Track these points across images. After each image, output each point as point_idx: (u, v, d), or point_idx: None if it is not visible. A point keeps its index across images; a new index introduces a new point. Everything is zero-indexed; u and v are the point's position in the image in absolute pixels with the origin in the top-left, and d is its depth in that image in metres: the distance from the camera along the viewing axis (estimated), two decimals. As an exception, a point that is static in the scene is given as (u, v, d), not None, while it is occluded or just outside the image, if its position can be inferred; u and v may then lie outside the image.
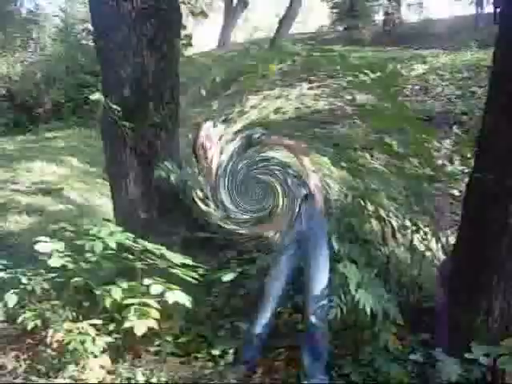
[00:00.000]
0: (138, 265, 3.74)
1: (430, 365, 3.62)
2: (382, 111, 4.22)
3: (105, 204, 7.60)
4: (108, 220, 5.03)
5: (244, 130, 3.65)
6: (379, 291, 3.41)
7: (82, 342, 3.58)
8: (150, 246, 3.69)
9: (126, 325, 3.52)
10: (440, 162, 4.64)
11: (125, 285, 3.65)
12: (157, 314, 3.57)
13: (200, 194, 4.10)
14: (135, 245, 3.69)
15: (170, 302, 3.51)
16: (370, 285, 3.36)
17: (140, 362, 3.92)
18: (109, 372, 3.75)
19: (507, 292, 3.37)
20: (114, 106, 4.31)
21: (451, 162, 4.77)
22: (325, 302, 3.45)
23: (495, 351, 2.63)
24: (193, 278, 3.60)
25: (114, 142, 4.65)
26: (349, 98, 10.81)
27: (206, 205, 3.93)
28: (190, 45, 5.25)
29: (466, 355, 2.70)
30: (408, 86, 12.02)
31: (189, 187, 4.25)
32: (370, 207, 4.26)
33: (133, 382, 3.70)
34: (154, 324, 3.55)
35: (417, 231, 4.26)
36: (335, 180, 5.79)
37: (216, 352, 3.97)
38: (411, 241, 4.29)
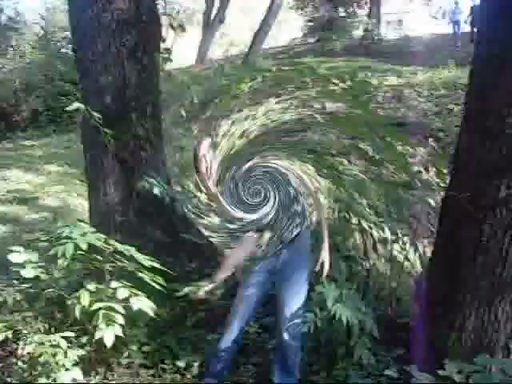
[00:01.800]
0: (106, 266, 3.71)
1: (405, 381, 3.64)
2: (353, 118, 4.26)
3: (81, 205, 7.57)
4: (82, 221, 5.01)
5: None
6: (356, 304, 3.42)
7: (54, 355, 3.53)
8: (120, 246, 3.65)
9: (98, 335, 3.48)
10: (416, 168, 4.66)
11: (92, 287, 3.60)
12: (122, 320, 3.53)
13: (192, 208, 4.15)
14: (105, 245, 3.65)
15: (135, 308, 3.49)
16: (348, 299, 3.37)
17: (112, 376, 3.90)
18: (81, 386, 3.71)
19: (480, 310, 3.39)
20: (95, 114, 4.30)
21: (427, 170, 4.80)
22: (299, 320, 3.46)
23: (468, 368, 2.64)
24: (159, 283, 3.58)
25: (94, 145, 4.64)
26: (318, 106, 11.02)
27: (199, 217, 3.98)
28: (170, 60, 5.23)
29: (440, 372, 2.70)
30: (380, 93, 12.11)
31: (180, 201, 4.25)
32: (354, 219, 4.32)
33: (105, 395, 3.68)
34: (119, 331, 3.51)
35: (396, 241, 4.28)
36: (322, 192, 6.00)
37: (181, 364, 3.99)
38: (391, 252, 4.30)
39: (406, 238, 4.27)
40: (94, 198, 4.72)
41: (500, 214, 3.27)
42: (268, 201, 3.42)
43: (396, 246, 4.31)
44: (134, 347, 3.96)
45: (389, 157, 4.09)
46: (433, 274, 3.75)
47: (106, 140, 4.42)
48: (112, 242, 3.67)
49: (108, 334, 3.46)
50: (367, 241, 4.35)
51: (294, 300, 3.47)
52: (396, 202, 4.07)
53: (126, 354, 3.97)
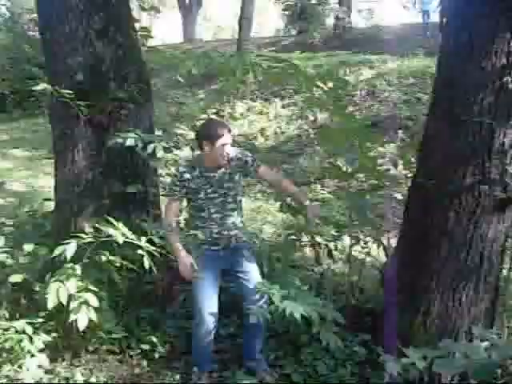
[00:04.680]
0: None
1: (371, 364, 3.70)
2: (335, 131, 4.34)
3: (49, 185, 7.53)
4: (49, 199, 4.96)
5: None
6: (312, 300, 3.47)
7: (19, 341, 3.50)
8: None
9: (71, 318, 3.45)
10: (385, 167, 4.71)
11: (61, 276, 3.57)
12: (96, 303, 3.51)
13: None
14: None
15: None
16: (299, 297, 3.42)
17: (79, 362, 3.88)
18: (46, 372, 3.69)
19: (445, 295, 3.45)
20: (65, 91, 4.26)
21: (395, 165, 4.84)
22: (263, 299, 3.64)
23: (431, 353, 2.67)
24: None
25: (64, 120, 4.59)
26: (311, 118, 11.59)
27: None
28: (151, 37, 5.32)
29: (403, 360, 2.73)
30: (357, 92, 12.25)
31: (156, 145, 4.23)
32: (305, 237, 4.53)
33: (71, 381, 3.65)
34: (94, 316, 3.49)
35: (357, 243, 4.35)
36: (274, 224, 6.96)
37: (146, 347, 4.04)
38: (349, 254, 4.41)
39: (368, 238, 4.34)
40: (61, 169, 4.67)
41: (465, 200, 3.32)
42: None
43: (357, 248, 4.42)
44: (102, 333, 3.93)
45: (360, 164, 4.16)
46: (398, 261, 3.80)
47: (78, 110, 4.39)
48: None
49: (82, 317, 3.44)
50: (320, 252, 4.55)
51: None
52: (360, 208, 4.16)
53: (93, 340, 3.95)
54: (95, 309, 3.54)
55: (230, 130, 3.67)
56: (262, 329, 3.84)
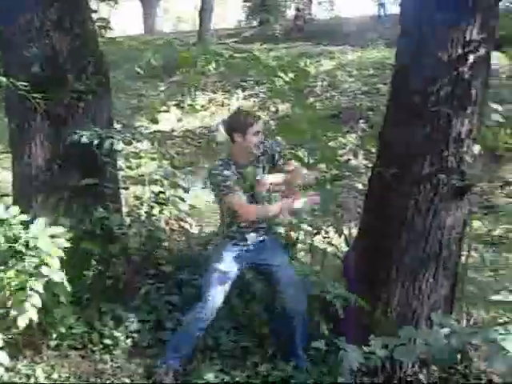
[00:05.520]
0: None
1: (333, 353, 3.72)
2: (296, 123, 4.33)
3: (6, 179, 7.39)
4: (6, 195, 4.86)
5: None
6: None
7: (-24, 339, 3.42)
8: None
9: (11, 314, 3.38)
10: (346, 157, 4.74)
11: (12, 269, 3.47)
12: (38, 301, 3.44)
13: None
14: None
15: (45, 274, 3.40)
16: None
17: (41, 358, 3.82)
18: (7, 369, 3.61)
19: (405, 283, 3.50)
20: (21, 83, 4.17)
21: (356, 156, 4.88)
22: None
23: (392, 341, 2.70)
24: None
25: (20, 113, 4.51)
26: (273, 109, 11.58)
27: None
28: (109, 27, 5.24)
29: (364, 348, 2.76)
30: (318, 83, 12.31)
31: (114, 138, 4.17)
32: None
33: (32, 379, 3.59)
34: (34, 314, 3.41)
35: (318, 233, 4.37)
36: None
37: (108, 341, 3.99)
38: (310, 244, 4.42)
39: (330, 228, 4.36)
40: (18, 163, 4.60)
41: (424, 189, 3.36)
42: None
43: (318, 238, 4.42)
44: (63, 329, 3.88)
45: (321, 155, 4.16)
46: (359, 251, 3.84)
47: (35, 103, 4.31)
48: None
49: (21, 316, 3.37)
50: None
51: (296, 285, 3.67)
52: (322, 198, 4.17)
53: (54, 336, 3.89)
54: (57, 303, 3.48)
55: (259, 118, 3.63)
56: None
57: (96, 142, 4.08)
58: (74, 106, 4.52)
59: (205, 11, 19.72)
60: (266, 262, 3.76)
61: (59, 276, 3.44)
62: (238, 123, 3.58)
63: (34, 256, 3.44)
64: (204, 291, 3.68)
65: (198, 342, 3.77)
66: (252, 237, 3.70)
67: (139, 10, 29.63)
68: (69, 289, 3.52)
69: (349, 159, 4.59)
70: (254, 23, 24.38)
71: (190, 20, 36.67)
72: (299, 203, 3.64)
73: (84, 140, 4.04)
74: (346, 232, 4.22)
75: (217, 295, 3.62)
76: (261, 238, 3.74)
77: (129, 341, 4.04)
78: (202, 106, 13.03)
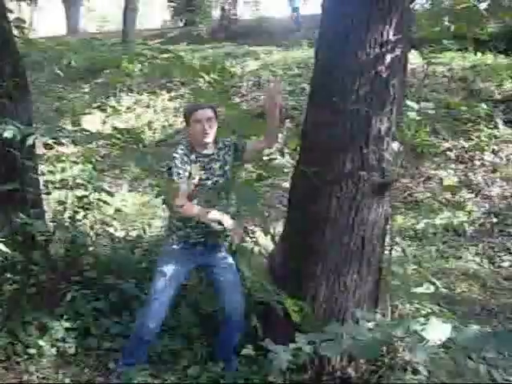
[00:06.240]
0: None
1: (262, 355, 3.72)
2: (222, 123, 4.30)
3: None
4: None
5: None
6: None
7: None
8: None
9: None
10: (271, 156, 4.74)
11: None
12: None
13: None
14: None
15: None
16: None
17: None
18: None
19: (331, 280, 3.54)
20: None
21: (282, 155, 4.91)
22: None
23: (319, 337, 2.72)
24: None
25: None
26: None
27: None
28: (26, 28, 5.09)
29: (291, 345, 2.77)
30: (243, 83, 12.35)
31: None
32: None
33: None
34: None
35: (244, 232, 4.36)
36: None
37: (33, 351, 3.88)
38: (237, 244, 4.39)
39: (256, 227, 4.36)
40: None
41: (346, 186, 3.42)
42: None
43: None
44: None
45: None
46: (284, 249, 3.86)
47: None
48: None
49: None
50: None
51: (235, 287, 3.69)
52: (248, 198, 4.15)
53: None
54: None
55: (211, 107, 3.55)
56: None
57: (19, 137, 3.92)
58: None
59: (129, 11, 19.39)
60: (208, 264, 3.73)
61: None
62: (185, 110, 3.69)
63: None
64: (148, 294, 3.67)
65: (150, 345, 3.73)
66: (196, 238, 3.63)
67: (63, 11, 28.82)
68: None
69: (273, 158, 4.60)
70: (180, 23, 24.21)
71: (115, 20, 36.07)
72: (215, 216, 3.46)
73: (6, 134, 3.87)
74: (272, 230, 4.23)
75: (160, 297, 3.56)
76: (204, 240, 3.65)
77: (54, 350, 3.92)
78: (128, 108, 12.81)
